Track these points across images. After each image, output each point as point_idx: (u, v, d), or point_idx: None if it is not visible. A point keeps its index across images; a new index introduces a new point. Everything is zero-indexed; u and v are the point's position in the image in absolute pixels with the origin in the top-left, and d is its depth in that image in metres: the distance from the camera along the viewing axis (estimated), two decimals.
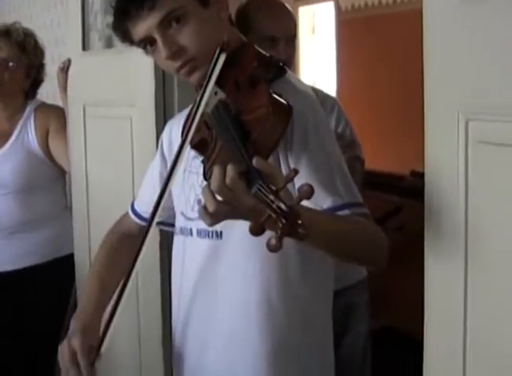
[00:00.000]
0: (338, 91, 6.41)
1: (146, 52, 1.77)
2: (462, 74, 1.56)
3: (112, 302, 1.80)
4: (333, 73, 6.74)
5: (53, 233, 3.18)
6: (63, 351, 1.79)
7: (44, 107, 3.25)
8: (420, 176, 4.22)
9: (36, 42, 3.25)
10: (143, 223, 2.00)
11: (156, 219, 1.70)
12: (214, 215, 1.36)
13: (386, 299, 4.05)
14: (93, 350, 1.77)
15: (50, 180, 3.19)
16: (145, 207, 2.00)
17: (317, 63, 7.12)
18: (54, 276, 3.14)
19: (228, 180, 1.33)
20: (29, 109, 3.21)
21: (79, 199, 3.06)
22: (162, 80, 2.48)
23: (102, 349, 1.77)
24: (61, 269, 3.17)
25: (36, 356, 3.13)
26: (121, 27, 1.74)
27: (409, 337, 3.87)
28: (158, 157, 2.00)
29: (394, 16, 5.84)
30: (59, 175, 3.24)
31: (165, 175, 1.73)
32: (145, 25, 1.68)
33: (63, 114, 3.16)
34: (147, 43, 1.72)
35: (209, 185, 1.36)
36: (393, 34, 5.77)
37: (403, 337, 3.99)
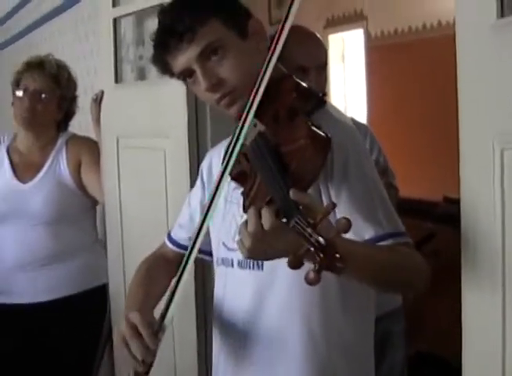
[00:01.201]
0: (368, 118, 6.42)
1: (186, 84, 1.79)
2: (496, 102, 1.55)
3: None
4: (363, 100, 6.74)
5: (84, 264, 3.18)
6: (120, 330, 1.72)
7: (76, 139, 3.27)
8: (453, 202, 4.23)
9: (69, 74, 3.28)
10: (180, 250, 2.00)
11: (198, 246, 1.70)
12: (250, 251, 1.39)
13: (420, 325, 4.02)
14: (154, 324, 1.71)
15: (81, 211, 3.21)
16: (183, 234, 2.01)
17: (347, 90, 7.13)
18: (85, 308, 3.14)
19: (264, 224, 1.35)
20: (61, 140, 3.23)
21: (113, 230, 3.07)
22: (195, 111, 2.49)
23: (166, 320, 1.70)
24: (92, 300, 3.18)
25: None
26: (161, 60, 1.76)
27: (444, 362, 3.85)
28: (199, 184, 2.01)
29: (424, 42, 5.84)
30: (90, 207, 3.25)
31: (205, 203, 1.73)
32: (184, 57, 1.69)
33: (95, 146, 3.19)
34: (187, 75, 1.73)
35: (245, 226, 1.38)
36: (422, 60, 5.77)
37: (439, 362, 3.95)
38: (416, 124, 5.93)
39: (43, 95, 3.13)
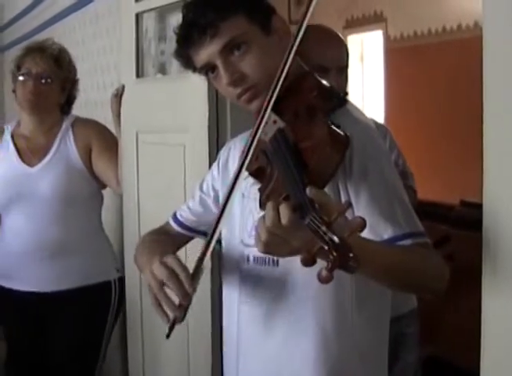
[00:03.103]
0: (386, 119, 6.41)
1: (208, 78, 1.79)
2: None
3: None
4: (381, 101, 6.74)
5: (91, 256, 3.19)
6: (155, 274, 1.67)
7: (82, 121, 3.28)
8: (470, 206, 4.22)
9: (70, 57, 3.29)
10: (183, 231, 2.04)
11: (216, 238, 1.69)
12: (266, 245, 1.38)
13: (434, 328, 4.01)
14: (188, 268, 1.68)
15: (89, 194, 3.20)
16: (190, 215, 2.03)
17: (365, 91, 7.12)
18: (88, 302, 3.17)
19: (282, 219, 1.34)
20: (66, 123, 3.23)
21: (131, 225, 3.08)
22: (215, 107, 2.49)
23: (204, 263, 1.67)
24: (96, 295, 3.20)
25: None
26: (184, 54, 1.77)
27: (456, 367, 3.84)
28: (214, 169, 2.01)
29: (443, 45, 5.83)
30: (97, 192, 3.26)
31: (220, 194, 1.81)
32: (207, 52, 1.70)
33: (104, 129, 3.23)
34: (209, 70, 1.74)
35: (262, 220, 1.38)
36: (441, 63, 5.76)
37: (450, 366, 3.95)
38: (434, 126, 5.92)
39: (46, 78, 3.14)
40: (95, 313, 3.18)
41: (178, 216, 2.07)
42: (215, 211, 1.90)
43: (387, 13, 6.55)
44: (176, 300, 1.65)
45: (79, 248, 3.15)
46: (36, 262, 3.10)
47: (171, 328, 1.67)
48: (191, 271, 1.66)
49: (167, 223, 2.10)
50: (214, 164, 2.03)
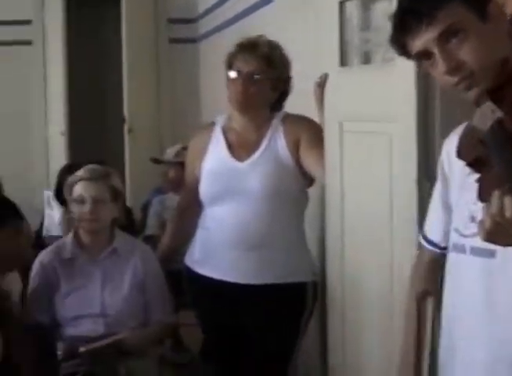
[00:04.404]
0: None
1: (422, 66, 1.82)
2: None
3: None
4: None
5: (291, 256, 3.23)
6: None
7: (292, 117, 3.31)
8: None
9: (281, 54, 3.31)
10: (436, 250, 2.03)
11: None
12: (489, 233, 1.39)
13: None
14: None
15: (296, 192, 3.25)
16: (436, 230, 2.02)
17: None
18: (286, 300, 3.21)
19: (506, 211, 1.34)
20: (276, 120, 3.27)
21: (334, 216, 3.06)
22: (424, 96, 2.44)
23: None
24: (294, 294, 3.23)
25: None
26: (399, 41, 1.77)
27: None
28: (440, 178, 2.01)
29: None
30: (304, 191, 3.28)
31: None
32: (423, 39, 1.69)
33: (312, 124, 3.23)
34: (424, 57, 1.74)
35: (487, 208, 1.38)
36: None
37: None
38: None
39: (256, 77, 3.17)
40: (289, 314, 3.21)
41: (427, 234, 2.08)
42: None
43: None
44: None
45: (279, 246, 3.19)
46: (236, 254, 3.18)
47: None
48: None
49: (421, 249, 2.12)
50: (438, 173, 2.03)
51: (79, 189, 3.45)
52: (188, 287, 3.45)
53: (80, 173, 3.51)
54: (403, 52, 1.79)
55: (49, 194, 4.84)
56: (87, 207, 3.39)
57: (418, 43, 1.71)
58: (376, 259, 2.69)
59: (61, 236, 3.97)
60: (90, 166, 3.58)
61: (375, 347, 2.77)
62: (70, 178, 3.54)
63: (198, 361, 3.40)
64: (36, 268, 3.47)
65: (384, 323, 2.63)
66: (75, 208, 3.46)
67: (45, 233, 4.75)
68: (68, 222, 4.23)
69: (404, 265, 2.38)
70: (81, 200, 3.43)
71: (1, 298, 2.02)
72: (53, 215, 4.71)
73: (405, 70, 2.36)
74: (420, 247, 2.11)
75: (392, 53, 1.94)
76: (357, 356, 2.91)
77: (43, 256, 3.51)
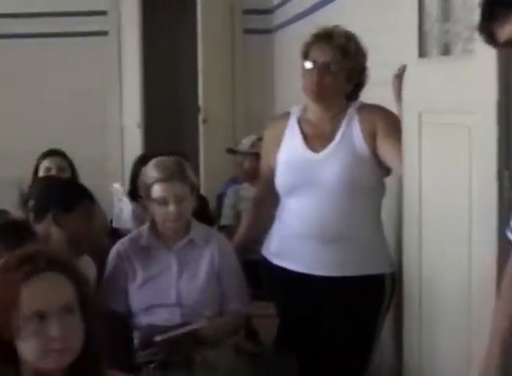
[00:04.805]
0: None
1: (509, 54, 1.84)
2: None
3: None
4: None
5: (368, 247, 3.22)
6: None
7: (367, 107, 3.29)
8: None
9: (357, 45, 3.29)
10: None
11: None
12: None
13: None
14: None
15: (372, 183, 3.23)
16: None
17: None
18: (364, 294, 3.21)
19: None
20: (351, 110, 3.26)
21: (412, 209, 3.03)
22: (505, 88, 2.40)
23: None
24: (371, 287, 3.22)
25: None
26: (487, 29, 1.78)
27: None
28: None
29: None
30: (381, 182, 3.25)
31: None
32: (510, 27, 1.71)
33: (389, 114, 3.20)
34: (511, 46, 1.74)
35: None
36: None
37: None
38: None
39: (331, 67, 3.16)
40: (368, 306, 3.19)
41: None
42: None
43: None
44: None
45: (358, 238, 3.18)
46: (314, 246, 3.17)
47: None
48: None
49: None
50: None
51: (159, 191, 3.36)
52: (265, 278, 3.46)
53: (154, 174, 3.39)
54: (491, 40, 1.81)
55: (118, 187, 4.90)
56: (171, 208, 3.32)
57: (506, 31, 1.72)
58: (455, 251, 2.66)
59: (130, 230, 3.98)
60: (161, 162, 3.48)
61: (453, 349, 2.73)
62: (146, 179, 3.44)
63: (272, 352, 3.39)
64: (112, 256, 3.48)
65: (461, 321, 2.60)
66: (157, 210, 3.38)
67: (114, 223, 4.80)
68: (139, 217, 4.26)
69: (483, 256, 2.36)
70: (163, 202, 3.35)
71: (83, 284, 2.03)
72: (122, 207, 4.75)
73: (485, 61, 2.33)
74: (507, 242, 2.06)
75: (472, 44, 1.92)
76: (434, 356, 2.88)
77: (120, 245, 3.51)
